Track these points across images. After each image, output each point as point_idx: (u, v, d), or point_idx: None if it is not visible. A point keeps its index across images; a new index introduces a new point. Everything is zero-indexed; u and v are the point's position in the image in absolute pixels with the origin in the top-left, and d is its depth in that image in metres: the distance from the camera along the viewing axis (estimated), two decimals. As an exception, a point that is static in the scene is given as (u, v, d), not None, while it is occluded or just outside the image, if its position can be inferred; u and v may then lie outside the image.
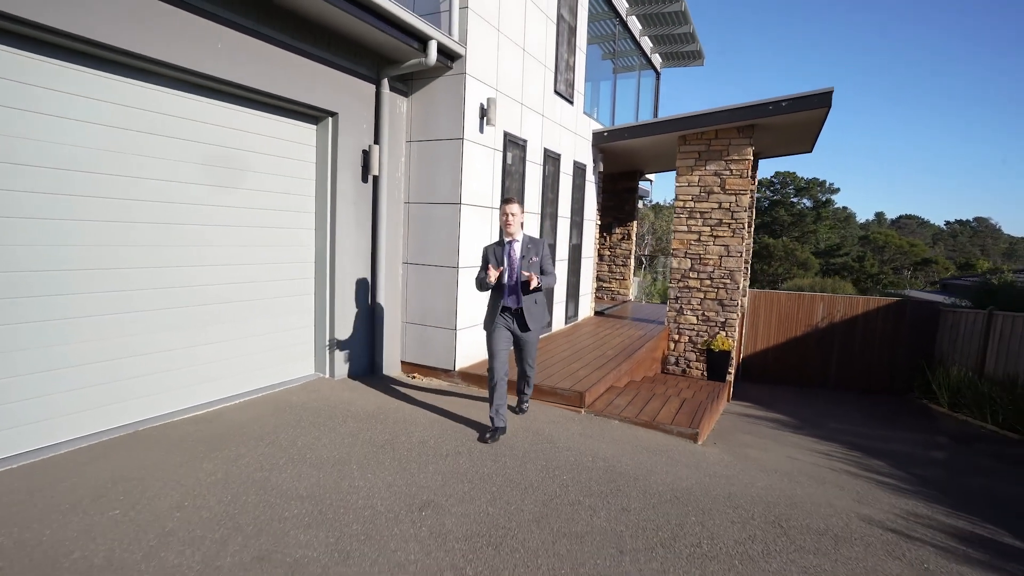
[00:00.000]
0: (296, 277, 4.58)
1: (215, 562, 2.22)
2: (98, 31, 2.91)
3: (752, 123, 7.25)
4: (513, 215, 3.82)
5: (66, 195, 3.04)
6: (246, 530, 2.47)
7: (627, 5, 9.15)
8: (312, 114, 4.47)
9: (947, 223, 68.96)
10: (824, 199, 41.35)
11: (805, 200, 41.85)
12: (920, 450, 6.14)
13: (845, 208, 56.51)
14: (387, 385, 4.90)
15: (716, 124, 7.32)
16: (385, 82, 4.79)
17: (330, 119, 4.49)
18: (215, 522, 2.51)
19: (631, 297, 11.42)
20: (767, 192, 42.34)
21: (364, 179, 4.81)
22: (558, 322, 7.52)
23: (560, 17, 6.78)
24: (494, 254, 3.91)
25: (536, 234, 6.54)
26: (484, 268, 3.82)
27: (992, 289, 9.18)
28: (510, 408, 4.34)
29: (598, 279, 11.24)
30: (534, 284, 3.67)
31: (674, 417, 4.71)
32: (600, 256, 11.11)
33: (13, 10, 2.60)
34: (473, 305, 5.25)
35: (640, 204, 14.90)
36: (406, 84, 5.10)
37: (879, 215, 71.21)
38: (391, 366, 5.28)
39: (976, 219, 69.00)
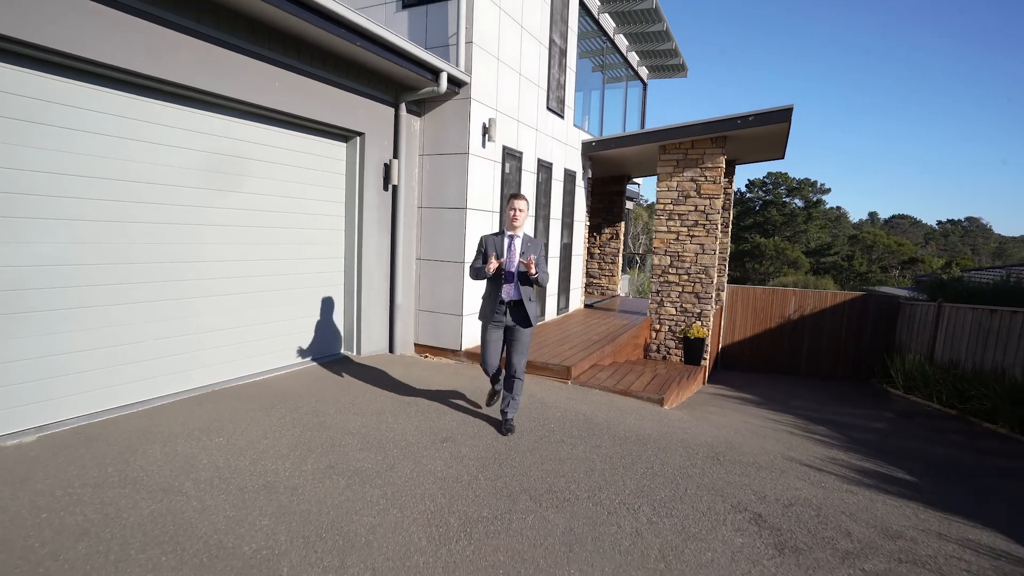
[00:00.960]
0: (329, 271, 5.51)
1: (301, 468, 3.16)
2: (199, 80, 3.84)
3: (724, 135, 8.21)
4: (521, 211, 3.85)
5: (200, 206, 3.96)
6: (316, 451, 3.41)
7: (614, 24, 10.11)
8: (343, 134, 5.41)
9: (939, 223, 70.29)
10: (815, 199, 42.48)
11: (797, 200, 42.98)
12: (863, 421, 7.12)
13: (838, 208, 57.84)
14: (405, 361, 5.84)
15: (692, 136, 8.27)
16: (403, 106, 5.74)
17: (358, 138, 5.43)
18: (293, 446, 3.45)
19: (620, 292, 12.38)
20: (760, 192, 43.47)
21: (385, 188, 5.75)
22: (550, 313, 8.48)
23: (552, 42, 7.74)
24: (494, 244, 3.89)
25: (531, 235, 7.48)
26: (481, 256, 3.88)
27: (943, 283, 10.20)
28: (495, 426, 4.15)
29: (589, 276, 12.20)
30: (533, 271, 3.68)
31: (645, 387, 5.67)
32: (591, 254, 12.06)
33: (143, 69, 3.52)
34: (477, 294, 6.19)
35: (631, 205, 15.87)
36: (420, 107, 6.04)
37: (872, 215, 72.61)
38: (406, 347, 6.22)
39: (968, 219, 70.40)
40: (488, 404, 4.49)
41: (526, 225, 7.31)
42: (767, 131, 8.16)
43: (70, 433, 3.38)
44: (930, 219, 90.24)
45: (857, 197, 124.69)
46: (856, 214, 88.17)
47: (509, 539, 2.62)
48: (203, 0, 3.82)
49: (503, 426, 4.04)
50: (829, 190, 42.75)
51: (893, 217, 70.27)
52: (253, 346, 4.77)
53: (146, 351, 3.94)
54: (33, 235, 3.27)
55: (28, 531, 2.36)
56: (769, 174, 43.39)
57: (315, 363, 5.34)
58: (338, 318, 5.69)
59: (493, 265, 3.68)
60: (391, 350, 6.04)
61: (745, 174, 52.31)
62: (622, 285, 14.77)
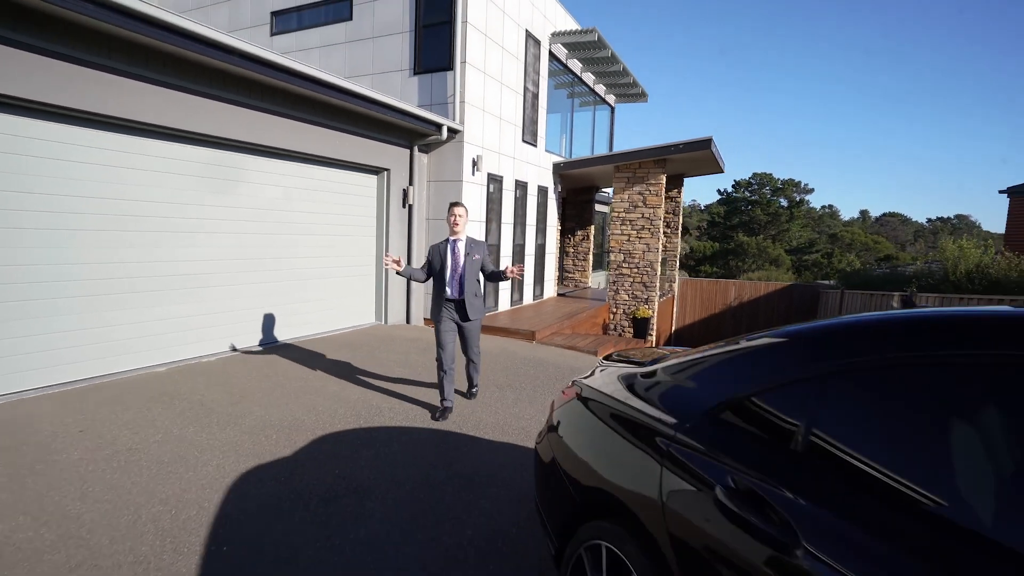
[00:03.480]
0: (365, 264, 8.10)
1: (370, 372, 5.74)
2: (285, 142, 6.42)
3: (663, 158, 10.81)
4: (460, 216, 4.42)
5: (301, 222, 6.53)
6: (368, 366, 5.99)
7: (580, 65, 12.71)
8: (376, 170, 7.99)
9: (929, 220, 73.14)
10: (799, 199, 45.18)
11: (782, 200, 45.67)
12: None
13: (831, 206, 60.62)
14: (418, 329, 8.42)
15: (638, 159, 10.87)
16: (416, 148, 8.32)
17: (385, 172, 8.02)
18: (360, 367, 6.03)
19: (591, 285, 14.98)
20: (745, 193, 46.17)
21: (403, 206, 8.33)
22: (528, 299, 11.07)
23: (526, 89, 10.34)
24: (439, 251, 4.52)
25: (510, 238, 10.06)
26: (427, 265, 4.61)
27: (848, 275, 12.83)
28: (461, 393, 5.01)
29: (565, 270, 14.80)
30: (517, 272, 4.34)
31: (586, 345, 8.27)
32: (566, 253, 14.67)
33: (289, 146, 6.10)
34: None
35: (607, 209, 18.41)
36: (427, 148, 8.62)
37: (864, 212, 75.53)
38: (418, 319, 8.79)
39: (957, 216, 73.21)
40: (435, 419, 4.46)
41: (506, 232, 9.88)
42: (696, 155, 10.76)
43: (235, 356, 5.98)
44: (920, 217, 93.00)
45: (852, 195, 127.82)
46: (848, 212, 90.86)
47: (484, 400, 5.21)
48: (324, 105, 6.38)
49: (467, 393, 5.00)
50: (812, 190, 45.47)
51: (884, 215, 73.03)
52: (318, 315, 7.35)
53: (268, 312, 6.52)
54: (207, 242, 5.85)
55: (241, 386, 4.94)
56: (755, 175, 46.06)
57: (356, 328, 7.92)
58: (371, 298, 8.27)
59: (388, 261, 4.54)
60: (408, 321, 8.62)
61: (732, 176, 54.81)
62: (600, 279, 17.33)
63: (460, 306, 4.48)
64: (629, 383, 2.12)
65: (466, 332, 4.59)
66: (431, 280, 4.68)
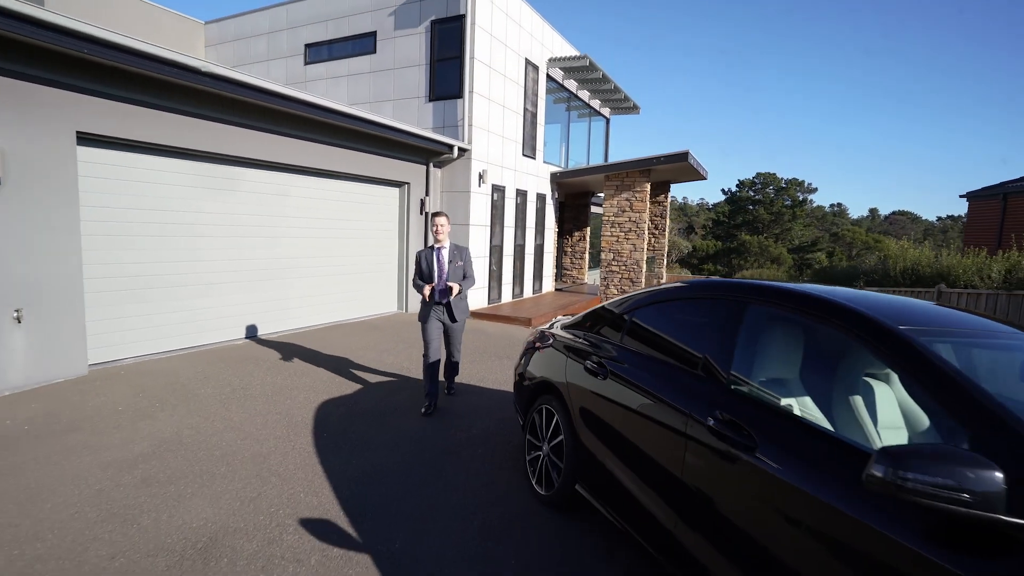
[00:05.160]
0: (389, 263, 9.83)
1: (399, 345, 7.47)
2: (336, 165, 8.15)
3: (648, 169, 12.44)
4: (442, 225, 4.78)
5: (341, 228, 8.27)
6: (401, 341, 7.72)
7: (576, 84, 14.37)
8: (398, 183, 9.72)
9: (939, 218, 73.83)
10: (802, 199, 46.44)
11: (786, 199, 46.94)
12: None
13: (839, 204, 61.63)
14: (433, 317, 10.14)
15: (625, 170, 12.50)
16: (431, 164, 10.04)
17: (406, 185, 9.75)
18: (390, 340, 7.77)
19: (587, 281, 16.63)
20: (749, 192, 47.50)
21: (420, 213, 10.05)
22: (528, 293, 12.76)
23: (525, 110, 12.02)
24: (425, 258, 4.89)
25: (511, 240, 11.75)
26: (417, 270, 4.96)
27: (817, 271, 14.38)
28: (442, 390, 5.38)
29: (563, 268, 16.47)
30: (455, 291, 4.75)
31: (575, 330, 9.96)
32: (564, 252, 16.34)
33: (341, 168, 7.84)
34: (477, 276, 10.45)
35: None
36: (441, 164, 10.34)
37: (873, 211, 76.39)
38: (433, 310, 10.51)
39: (966, 214, 73.69)
40: (424, 415, 4.86)
41: (508, 236, 11.56)
42: (675, 166, 12.39)
43: (293, 333, 7.74)
44: (931, 215, 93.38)
45: (863, 194, 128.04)
46: (857, 211, 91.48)
47: (483, 364, 6.91)
48: (364, 135, 8.10)
49: (447, 389, 5.52)
50: (815, 189, 46.74)
51: (893, 213, 73.84)
52: (354, 303, 9.10)
53: (317, 299, 8.28)
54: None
55: (306, 352, 6.68)
56: (759, 174, 47.37)
57: (382, 314, 9.66)
58: (394, 291, 10.02)
59: (427, 291, 4.75)
60: (424, 311, 10.36)
61: (736, 175, 56.04)
62: (596, 276, 18.95)
63: (448, 308, 4.93)
64: (564, 326, 3.82)
65: (452, 332, 5.07)
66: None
